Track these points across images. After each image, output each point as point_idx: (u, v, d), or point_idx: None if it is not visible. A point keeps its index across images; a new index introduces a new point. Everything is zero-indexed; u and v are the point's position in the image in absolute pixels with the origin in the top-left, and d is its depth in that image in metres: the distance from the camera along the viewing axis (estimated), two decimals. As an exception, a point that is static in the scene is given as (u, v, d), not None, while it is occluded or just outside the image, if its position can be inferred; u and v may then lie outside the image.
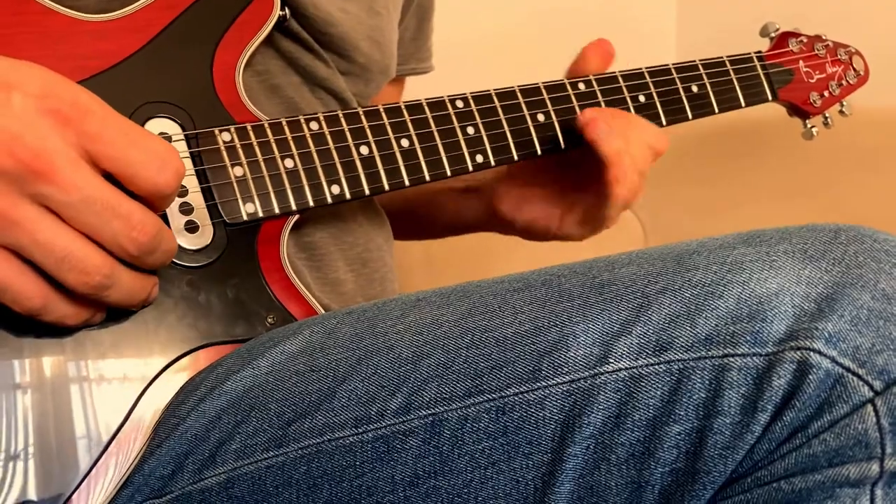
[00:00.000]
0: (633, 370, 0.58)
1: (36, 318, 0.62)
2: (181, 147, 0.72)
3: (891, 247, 0.57)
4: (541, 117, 0.87)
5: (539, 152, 0.86)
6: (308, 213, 0.77)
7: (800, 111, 1.04)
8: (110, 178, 0.61)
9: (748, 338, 0.56)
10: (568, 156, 0.89)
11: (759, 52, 1.01)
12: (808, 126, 1.05)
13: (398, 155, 0.80)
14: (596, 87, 0.89)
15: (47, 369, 0.65)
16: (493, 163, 0.84)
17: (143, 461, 0.66)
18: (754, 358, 0.56)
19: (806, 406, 0.55)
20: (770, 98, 1.00)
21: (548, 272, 0.64)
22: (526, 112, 0.86)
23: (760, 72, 0.99)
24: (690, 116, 0.94)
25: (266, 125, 0.75)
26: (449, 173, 0.82)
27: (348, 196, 0.77)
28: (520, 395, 0.60)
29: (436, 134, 0.82)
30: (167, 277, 0.69)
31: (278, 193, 0.74)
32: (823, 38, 1.06)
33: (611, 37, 0.92)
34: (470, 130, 0.83)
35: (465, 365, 0.61)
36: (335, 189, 0.77)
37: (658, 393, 0.57)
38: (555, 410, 0.59)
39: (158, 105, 0.73)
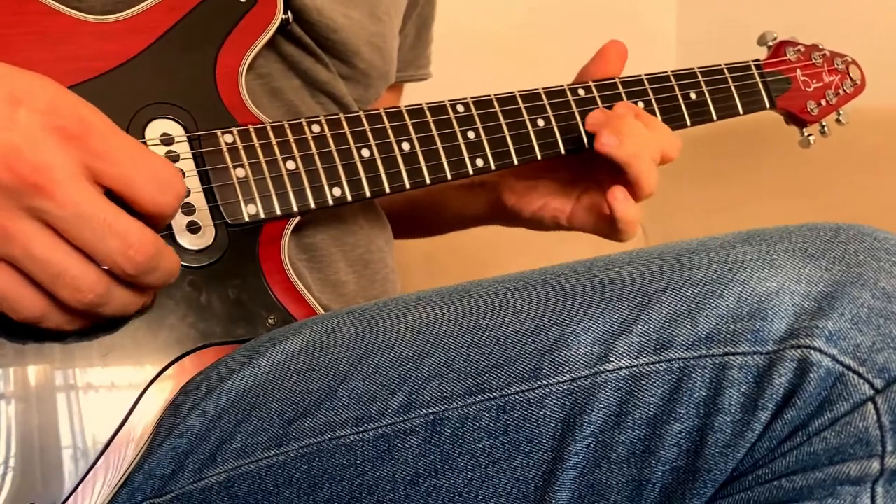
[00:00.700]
0: (634, 369, 0.58)
1: (34, 325, 0.62)
2: (183, 148, 0.73)
3: (891, 245, 0.58)
4: (541, 122, 0.87)
5: (539, 157, 0.87)
6: (309, 214, 0.78)
7: (797, 119, 1.05)
8: (112, 196, 0.61)
9: (749, 336, 0.56)
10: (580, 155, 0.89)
11: (758, 60, 1.02)
12: (805, 134, 1.06)
13: (399, 158, 0.80)
14: (595, 94, 0.90)
15: (48, 368, 0.65)
16: (493, 167, 0.84)
17: (144, 460, 0.66)
18: (755, 356, 0.56)
19: (807, 404, 0.55)
20: (768, 106, 1.01)
21: (548, 271, 0.65)
22: (526, 117, 0.87)
23: (758, 80, 1.00)
24: (689, 123, 0.94)
25: (268, 127, 0.76)
26: (449, 177, 0.82)
27: (349, 198, 0.78)
28: (520, 394, 0.60)
29: (437, 138, 0.82)
30: None
31: (280, 195, 0.75)
32: (821, 47, 1.06)
33: (611, 36, 0.92)
34: (471, 134, 0.84)
35: (466, 364, 0.61)
36: (336, 191, 0.77)
37: (659, 391, 0.57)
38: (555, 409, 0.59)
39: (161, 106, 0.73)
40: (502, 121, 0.85)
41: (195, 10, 0.77)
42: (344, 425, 0.63)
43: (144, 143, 0.72)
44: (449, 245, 1.10)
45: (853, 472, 0.54)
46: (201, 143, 0.73)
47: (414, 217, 1.03)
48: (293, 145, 0.76)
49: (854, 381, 0.54)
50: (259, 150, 0.75)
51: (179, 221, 0.71)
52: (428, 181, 0.81)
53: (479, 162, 0.84)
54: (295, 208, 0.75)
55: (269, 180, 0.74)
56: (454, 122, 0.83)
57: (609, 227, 0.88)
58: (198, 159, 0.73)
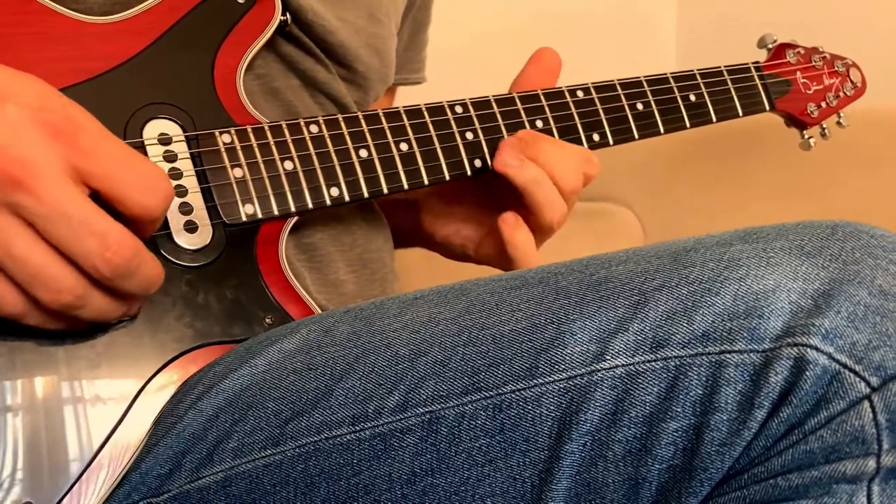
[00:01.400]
0: (630, 367, 0.58)
1: (18, 321, 0.62)
2: (181, 148, 0.73)
3: (888, 243, 0.58)
4: (539, 123, 0.87)
5: None
6: (307, 215, 0.78)
7: (797, 122, 1.05)
8: (99, 199, 0.60)
9: (745, 334, 0.56)
10: (493, 181, 0.86)
11: (757, 62, 1.02)
12: (806, 137, 1.06)
13: (397, 158, 0.80)
14: (594, 95, 0.90)
15: (44, 367, 0.65)
16: (491, 168, 0.84)
17: (140, 460, 0.66)
18: (751, 354, 0.56)
19: (803, 402, 0.55)
20: (767, 108, 1.01)
21: (545, 270, 0.64)
22: (525, 119, 0.87)
23: (758, 82, 1.00)
24: (688, 125, 0.95)
25: (266, 127, 0.76)
26: (447, 178, 0.83)
27: (347, 198, 0.78)
28: (517, 393, 0.60)
29: (435, 138, 0.82)
30: (166, 277, 0.69)
31: (277, 195, 0.75)
32: (820, 49, 1.07)
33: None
34: (469, 136, 0.84)
35: (463, 362, 0.61)
36: (334, 191, 0.77)
37: (655, 390, 0.57)
38: (552, 407, 0.59)
39: (160, 106, 0.73)
40: (500, 122, 0.86)
41: (194, 10, 0.77)
42: (340, 424, 0.63)
43: (142, 142, 0.72)
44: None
45: (849, 471, 0.54)
46: (199, 143, 0.73)
47: None
48: (291, 146, 0.76)
49: (850, 379, 0.54)
50: (257, 151, 0.75)
51: (177, 221, 0.71)
52: (426, 182, 0.81)
53: (478, 163, 0.84)
54: (292, 208, 0.75)
55: (266, 180, 0.75)
56: (452, 122, 0.84)
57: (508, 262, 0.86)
58: (195, 159, 0.73)
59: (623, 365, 0.58)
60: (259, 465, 0.64)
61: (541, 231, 0.85)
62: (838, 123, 1.07)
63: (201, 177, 0.73)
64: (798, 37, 1.06)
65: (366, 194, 0.79)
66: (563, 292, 0.61)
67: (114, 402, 0.66)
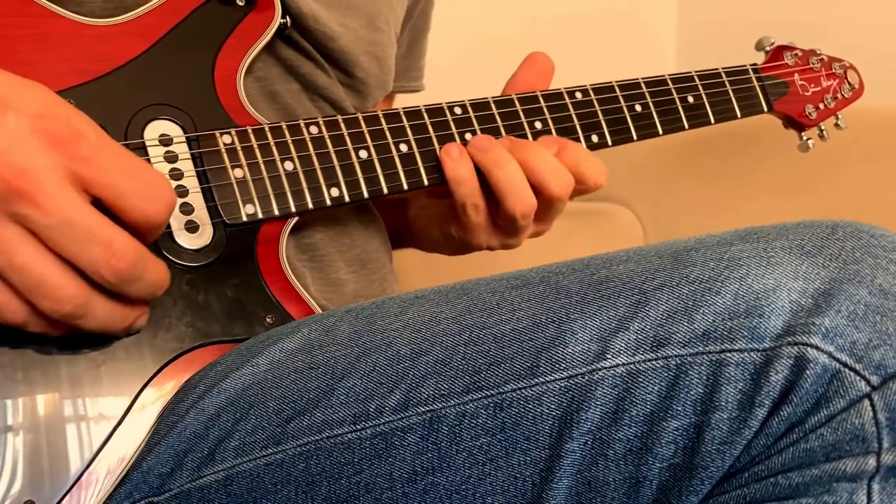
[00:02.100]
0: (631, 366, 0.58)
1: (21, 329, 0.61)
2: (182, 148, 0.73)
3: (887, 242, 0.58)
4: (538, 125, 0.87)
5: None
6: (307, 216, 0.78)
7: (795, 123, 1.05)
8: (100, 205, 0.60)
9: (745, 333, 0.56)
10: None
11: (755, 64, 1.02)
12: (804, 138, 1.06)
13: (397, 159, 0.81)
14: (593, 97, 0.90)
15: (47, 367, 0.65)
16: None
17: (142, 459, 0.66)
18: (751, 353, 0.56)
19: (803, 401, 0.55)
20: (765, 109, 1.01)
21: (545, 270, 0.65)
22: (524, 120, 0.87)
23: (756, 83, 1.00)
24: (687, 126, 0.95)
25: (266, 128, 0.76)
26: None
27: (347, 199, 0.78)
28: (517, 392, 0.60)
29: (434, 140, 0.83)
30: None
31: (278, 195, 0.75)
32: (818, 52, 1.07)
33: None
34: (468, 136, 0.84)
35: (463, 361, 0.61)
36: (334, 192, 0.77)
37: (656, 388, 0.58)
38: (552, 406, 0.59)
39: (160, 107, 0.74)
40: (499, 123, 0.86)
41: (194, 13, 0.77)
42: (342, 423, 0.63)
43: (143, 143, 0.72)
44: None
45: (849, 469, 0.54)
46: (200, 144, 0.74)
47: None
48: (291, 146, 0.76)
49: (850, 377, 0.54)
50: (257, 151, 0.75)
51: (178, 220, 0.71)
52: (426, 182, 0.82)
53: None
54: (293, 208, 0.75)
55: (266, 181, 0.75)
56: (451, 124, 0.84)
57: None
58: (196, 160, 0.73)
59: (624, 364, 0.58)
60: (260, 464, 0.64)
61: (507, 219, 0.83)
62: (836, 125, 1.07)
63: (202, 177, 0.73)
64: (798, 37, 1.06)
65: (365, 194, 0.79)
66: (564, 291, 0.62)
67: (115, 401, 0.66)
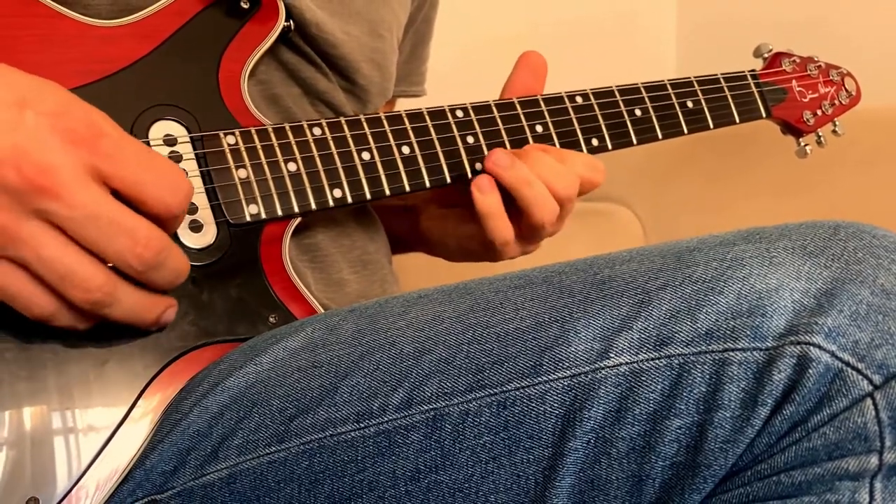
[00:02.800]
0: (634, 365, 0.58)
1: (48, 324, 0.62)
2: (186, 149, 0.73)
3: (889, 242, 0.58)
4: (539, 128, 0.88)
5: None
6: (309, 217, 0.78)
7: (793, 129, 1.06)
8: (119, 198, 0.61)
9: (748, 332, 0.56)
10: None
11: (754, 70, 1.03)
12: (802, 144, 1.07)
13: (399, 161, 0.81)
14: (593, 101, 0.91)
15: (51, 363, 0.65)
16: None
17: (145, 457, 0.66)
18: (754, 352, 0.56)
19: (806, 400, 0.55)
20: (764, 115, 1.02)
21: (548, 269, 0.65)
22: (525, 123, 0.87)
23: (754, 90, 1.01)
24: (686, 131, 0.95)
25: (270, 129, 0.76)
26: (448, 180, 0.83)
27: (350, 199, 0.78)
28: (521, 390, 0.60)
29: (436, 142, 0.83)
30: None
31: (281, 196, 0.75)
32: (816, 59, 1.08)
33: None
34: (469, 139, 0.85)
35: (467, 360, 0.62)
36: (337, 192, 0.78)
37: (658, 387, 0.58)
38: (555, 405, 0.59)
39: (165, 108, 0.74)
40: (501, 126, 0.86)
41: (199, 15, 0.78)
42: (345, 422, 0.63)
43: (148, 143, 0.72)
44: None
45: (852, 468, 0.55)
46: (204, 144, 0.74)
47: None
48: (294, 147, 0.77)
49: (853, 377, 0.55)
50: (261, 152, 0.75)
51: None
52: (427, 184, 0.82)
53: (478, 166, 0.85)
54: (296, 209, 0.76)
55: (270, 181, 0.75)
56: (453, 126, 0.84)
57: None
58: (200, 160, 0.73)
59: (627, 363, 0.58)
60: (264, 462, 0.64)
61: (533, 230, 0.85)
62: (834, 132, 1.08)
63: (206, 177, 0.73)
64: (797, 38, 1.07)
65: (368, 195, 0.79)
66: (568, 291, 0.62)
67: (119, 399, 0.66)
